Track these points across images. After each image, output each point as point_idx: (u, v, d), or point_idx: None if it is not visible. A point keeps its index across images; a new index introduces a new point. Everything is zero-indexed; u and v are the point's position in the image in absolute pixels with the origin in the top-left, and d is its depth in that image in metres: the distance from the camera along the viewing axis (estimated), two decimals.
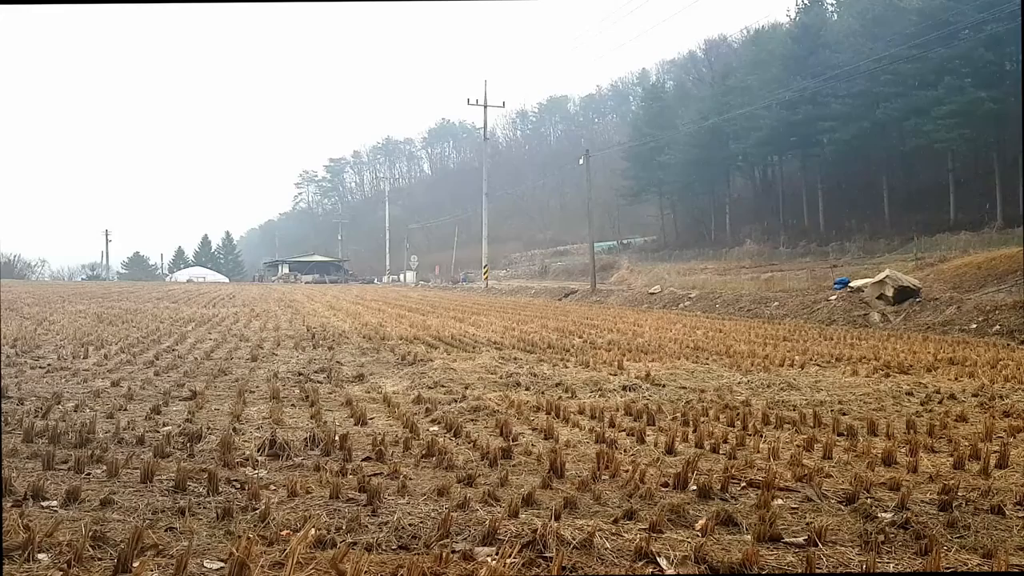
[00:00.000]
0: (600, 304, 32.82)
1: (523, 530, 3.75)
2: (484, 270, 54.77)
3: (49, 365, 9.84)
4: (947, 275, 24.60)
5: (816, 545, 3.66)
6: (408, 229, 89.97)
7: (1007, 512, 4.24)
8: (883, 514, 4.16)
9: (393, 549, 3.62)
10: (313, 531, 3.61)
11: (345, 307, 26.40)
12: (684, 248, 56.89)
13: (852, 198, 49.23)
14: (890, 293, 20.75)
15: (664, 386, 8.89)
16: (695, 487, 4.60)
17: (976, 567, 3.51)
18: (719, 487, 4.60)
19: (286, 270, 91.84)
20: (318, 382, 8.96)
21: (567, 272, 58.47)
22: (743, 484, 4.75)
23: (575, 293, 39.79)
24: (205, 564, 3.35)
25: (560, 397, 8.07)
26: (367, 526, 3.88)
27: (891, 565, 3.53)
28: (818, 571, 3.42)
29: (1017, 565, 3.54)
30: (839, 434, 6.38)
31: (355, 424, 6.51)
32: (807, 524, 4.00)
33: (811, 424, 6.82)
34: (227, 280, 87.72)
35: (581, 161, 42.58)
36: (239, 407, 7.01)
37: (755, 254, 47.09)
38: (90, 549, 3.37)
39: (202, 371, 9.67)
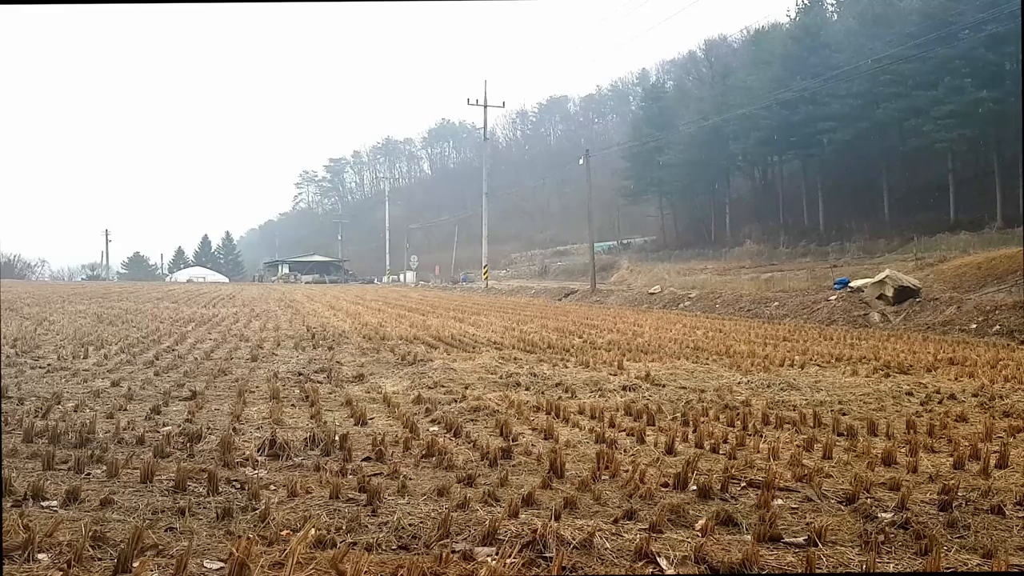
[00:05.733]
0: (600, 304, 32.81)
1: (523, 530, 3.74)
2: (484, 270, 54.76)
3: (49, 365, 9.83)
4: (947, 275, 24.60)
5: (816, 545, 3.66)
6: (408, 229, 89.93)
7: (1007, 512, 4.24)
8: (883, 514, 4.16)
9: (393, 549, 3.61)
10: (313, 531, 3.60)
11: (345, 307, 26.40)
12: (684, 248, 56.89)
13: (852, 198, 49.22)
14: (890, 293, 20.75)
15: (664, 386, 8.89)
16: (695, 487, 4.60)
17: (976, 567, 3.51)
18: (719, 487, 4.60)
19: (286, 270, 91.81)
20: (318, 382, 8.96)
21: (567, 272, 58.46)
22: (743, 484, 4.75)
23: (575, 293, 39.78)
24: (205, 564, 3.35)
25: (560, 397, 8.07)
26: (367, 526, 3.88)
27: (891, 565, 3.53)
28: (818, 571, 3.42)
29: (1017, 565, 3.53)
30: (839, 434, 6.38)
31: (355, 424, 6.51)
32: (807, 524, 4.00)
33: (811, 424, 6.82)
34: (227, 280, 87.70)
35: (581, 161, 42.58)
36: (239, 407, 7.01)
37: (755, 254, 47.09)
38: (90, 549, 3.37)
39: (202, 371, 9.67)
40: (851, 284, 23.61)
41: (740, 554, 3.47)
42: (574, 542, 3.60)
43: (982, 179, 41.07)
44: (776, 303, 25.08)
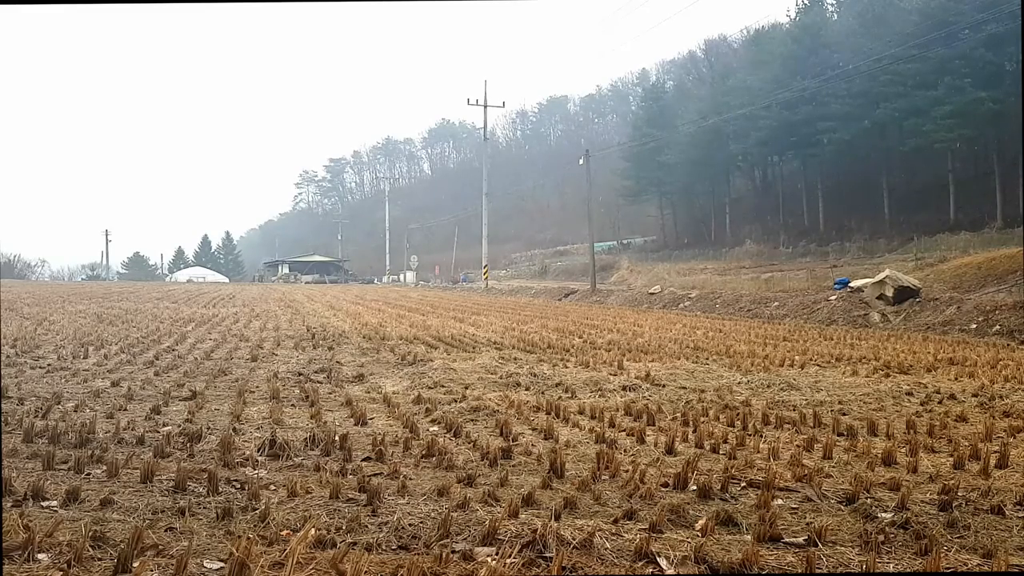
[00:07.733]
0: (600, 304, 32.81)
1: (523, 530, 3.75)
2: (484, 270, 54.76)
3: (49, 365, 9.83)
4: (947, 275, 24.60)
5: (816, 545, 3.66)
6: (408, 229, 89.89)
7: (1007, 512, 4.24)
8: (883, 514, 4.16)
9: (393, 549, 3.61)
10: (313, 531, 3.60)
11: (345, 307, 26.40)
12: (684, 248, 56.93)
13: (852, 198, 49.21)
14: (890, 293, 20.75)
15: (664, 386, 8.89)
16: (695, 487, 4.60)
17: (976, 567, 3.51)
18: (719, 487, 4.60)
19: (286, 270, 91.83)
20: (318, 382, 8.96)
21: (567, 272, 58.45)
22: (743, 484, 4.75)
23: (575, 293, 39.78)
24: (205, 564, 3.35)
25: (560, 397, 8.07)
26: (367, 526, 3.88)
27: (891, 565, 3.53)
28: (818, 571, 3.42)
29: (1017, 565, 3.53)
30: (839, 434, 6.38)
31: (355, 424, 6.51)
32: (807, 524, 4.00)
33: (811, 424, 6.81)
34: (227, 280, 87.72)
35: (581, 161, 42.56)
36: (239, 407, 7.01)
37: (755, 254, 47.09)
38: (90, 549, 3.37)
39: (202, 371, 9.67)
40: (851, 284, 23.61)
41: (740, 554, 3.47)
42: (574, 542, 3.59)
43: (982, 179, 41.05)
44: (776, 303, 25.08)
